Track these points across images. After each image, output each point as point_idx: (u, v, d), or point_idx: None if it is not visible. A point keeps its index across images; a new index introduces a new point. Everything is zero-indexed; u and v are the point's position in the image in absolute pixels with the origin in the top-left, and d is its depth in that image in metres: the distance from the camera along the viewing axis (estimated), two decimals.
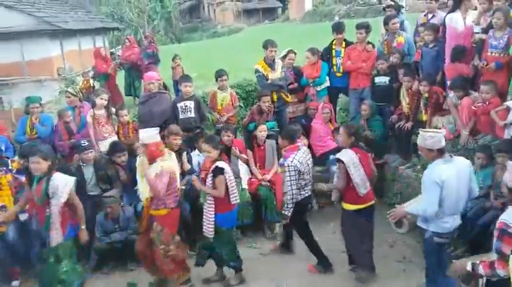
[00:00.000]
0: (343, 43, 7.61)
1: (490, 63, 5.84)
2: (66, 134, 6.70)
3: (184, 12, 49.02)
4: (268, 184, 6.32)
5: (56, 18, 18.92)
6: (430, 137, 4.07)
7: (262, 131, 6.46)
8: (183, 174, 5.87)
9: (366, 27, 7.40)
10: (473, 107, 5.81)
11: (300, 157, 5.03)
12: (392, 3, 8.25)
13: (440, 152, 4.09)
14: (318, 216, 6.60)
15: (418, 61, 7.14)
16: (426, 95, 6.45)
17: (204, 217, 4.99)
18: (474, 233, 4.87)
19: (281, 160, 5.42)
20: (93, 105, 6.80)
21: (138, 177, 5.82)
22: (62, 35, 17.97)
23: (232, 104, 7.19)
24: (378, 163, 6.61)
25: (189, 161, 6.21)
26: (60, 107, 8.46)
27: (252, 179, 6.41)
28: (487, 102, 5.63)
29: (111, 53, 20.20)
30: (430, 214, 4.06)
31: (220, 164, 4.94)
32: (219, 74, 7.09)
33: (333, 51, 7.64)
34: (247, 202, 6.16)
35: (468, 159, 4.46)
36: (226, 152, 6.50)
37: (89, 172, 6.04)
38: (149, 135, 4.89)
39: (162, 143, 5.08)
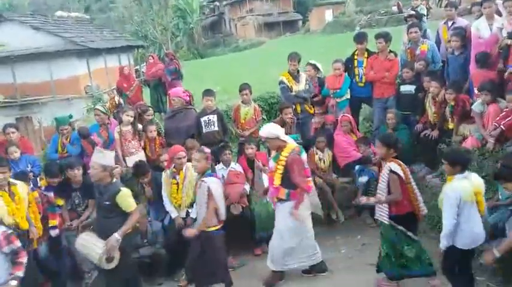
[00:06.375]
0: (366, 53, 7.58)
1: None
2: (92, 149, 6.83)
3: (207, 28, 49.76)
4: None
5: (83, 38, 19.47)
6: None
7: None
8: None
9: (384, 37, 7.35)
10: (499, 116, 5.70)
11: None
12: (414, 12, 8.20)
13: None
14: (345, 228, 6.54)
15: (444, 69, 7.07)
16: (452, 103, 6.36)
17: None
18: None
19: None
20: (120, 122, 6.94)
21: (163, 192, 5.93)
22: (88, 54, 18.45)
23: (256, 118, 7.22)
24: None
25: None
26: (88, 124, 8.65)
27: None
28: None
29: (136, 70, 20.60)
30: None
31: None
32: (241, 88, 7.16)
33: (355, 61, 7.60)
34: (273, 214, 6.12)
35: (496, 167, 4.36)
36: (249, 165, 6.55)
37: None
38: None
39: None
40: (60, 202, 5.90)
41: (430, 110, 6.74)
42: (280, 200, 5.18)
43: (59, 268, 5.63)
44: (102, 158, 4.83)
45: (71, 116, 7.37)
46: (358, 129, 7.55)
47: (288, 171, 5.02)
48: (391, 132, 6.54)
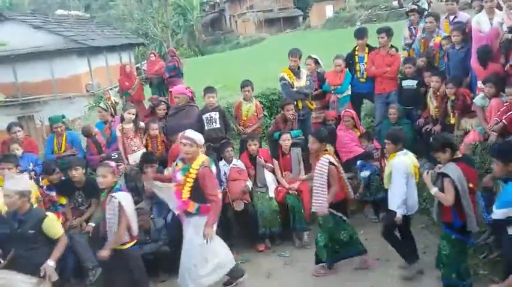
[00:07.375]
0: (366, 48, 7.58)
1: None
2: (95, 148, 6.87)
3: (207, 25, 49.71)
4: (296, 192, 6.32)
5: (83, 37, 19.48)
6: None
7: (285, 140, 6.48)
8: None
9: (386, 31, 7.34)
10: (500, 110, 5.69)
11: None
12: (416, 7, 8.18)
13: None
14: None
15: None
16: (453, 97, 6.36)
17: None
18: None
19: None
20: (122, 120, 6.96)
21: None
22: (89, 52, 18.46)
23: (257, 115, 7.21)
24: None
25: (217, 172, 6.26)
26: (90, 122, 8.67)
27: (279, 188, 6.41)
28: None
29: (137, 68, 20.59)
30: None
31: None
32: (243, 85, 7.15)
33: (356, 57, 7.60)
34: (275, 210, 6.16)
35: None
36: (252, 161, 6.56)
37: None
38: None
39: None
40: (63, 200, 5.93)
41: (432, 104, 6.74)
42: (188, 214, 4.92)
43: (62, 266, 5.65)
44: (15, 184, 4.29)
45: (63, 117, 7.42)
46: (360, 125, 7.55)
47: (199, 184, 4.81)
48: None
